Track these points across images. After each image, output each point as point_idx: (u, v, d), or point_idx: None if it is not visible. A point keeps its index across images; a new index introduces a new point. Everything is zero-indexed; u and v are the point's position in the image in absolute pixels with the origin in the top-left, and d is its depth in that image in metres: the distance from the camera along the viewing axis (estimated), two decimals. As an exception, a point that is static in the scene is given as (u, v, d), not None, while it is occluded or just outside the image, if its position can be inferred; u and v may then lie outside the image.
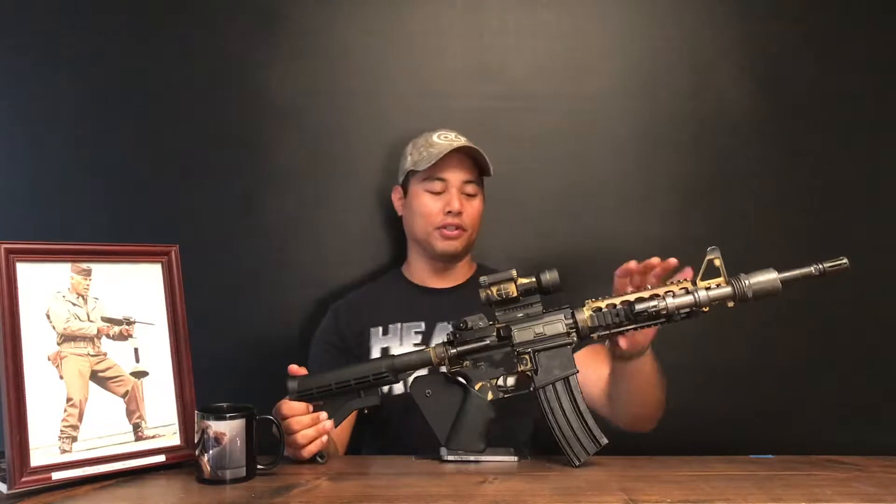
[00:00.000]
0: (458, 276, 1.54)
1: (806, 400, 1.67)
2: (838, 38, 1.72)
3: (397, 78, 1.70)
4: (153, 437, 1.11)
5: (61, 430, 1.03)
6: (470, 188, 1.48)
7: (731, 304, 1.10)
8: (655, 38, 1.72)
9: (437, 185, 1.46)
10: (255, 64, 1.68)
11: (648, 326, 1.13)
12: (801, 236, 1.67)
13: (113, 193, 1.66)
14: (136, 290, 1.15)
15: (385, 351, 1.45)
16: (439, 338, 1.44)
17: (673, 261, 1.13)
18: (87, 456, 1.04)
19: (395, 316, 1.48)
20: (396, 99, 1.69)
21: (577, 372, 1.13)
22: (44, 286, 1.06)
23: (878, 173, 1.72)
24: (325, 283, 1.65)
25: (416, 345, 1.45)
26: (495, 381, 1.15)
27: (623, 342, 1.15)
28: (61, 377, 1.04)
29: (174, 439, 1.13)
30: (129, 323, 1.13)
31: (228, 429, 1.02)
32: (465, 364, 1.16)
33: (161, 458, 1.10)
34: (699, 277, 1.11)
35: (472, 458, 1.13)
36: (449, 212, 1.45)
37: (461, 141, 1.48)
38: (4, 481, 0.98)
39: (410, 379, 1.20)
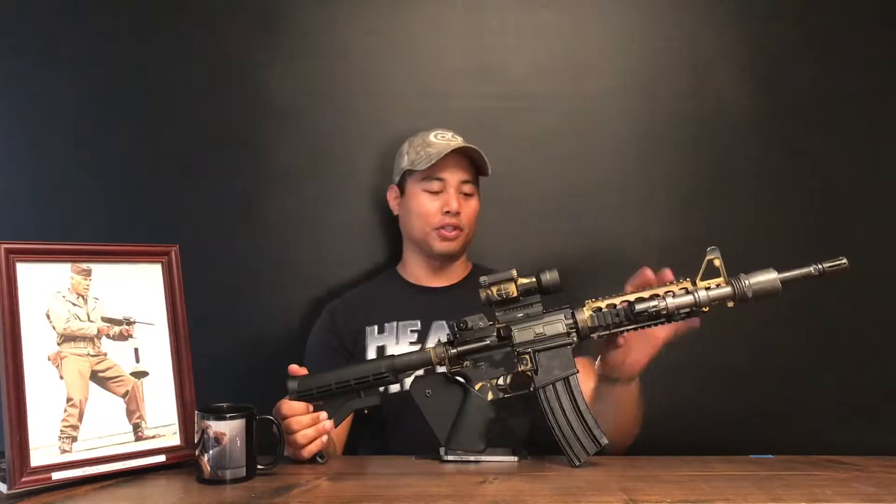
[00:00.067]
0: (454, 275, 1.54)
1: (806, 400, 1.67)
2: (838, 38, 1.72)
3: (397, 78, 1.70)
4: (153, 437, 1.11)
5: (61, 430, 1.03)
6: (467, 188, 1.48)
7: (730, 304, 1.10)
8: (655, 38, 1.72)
9: (436, 185, 1.46)
10: (255, 64, 1.68)
11: (648, 326, 1.13)
12: (801, 236, 1.67)
13: (113, 193, 1.66)
14: (136, 290, 1.15)
15: (381, 349, 1.45)
16: (435, 336, 1.44)
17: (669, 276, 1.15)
18: (87, 456, 1.04)
19: (391, 315, 1.48)
20: (396, 99, 1.69)
21: (578, 372, 1.13)
22: (44, 286, 1.06)
23: (878, 173, 1.72)
24: (325, 283, 1.65)
25: (411, 343, 1.45)
26: (495, 381, 1.15)
27: (622, 340, 1.15)
28: (61, 377, 1.04)
29: (174, 439, 1.13)
30: (129, 323, 1.13)
31: (228, 429, 1.02)
32: (465, 364, 1.16)
33: (161, 458, 1.10)
34: (699, 277, 1.11)
35: (471, 458, 1.13)
36: (447, 212, 1.45)
37: (459, 141, 1.48)
38: (4, 481, 0.98)
39: (409, 379, 1.21)
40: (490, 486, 0.97)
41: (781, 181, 1.71)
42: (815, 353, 1.68)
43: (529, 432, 1.47)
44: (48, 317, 1.05)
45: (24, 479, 0.97)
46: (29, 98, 1.65)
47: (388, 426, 1.42)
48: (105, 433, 1.06)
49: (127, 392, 1.10)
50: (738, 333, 1.64)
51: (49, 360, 1.04)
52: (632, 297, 1.12)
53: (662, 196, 1.71)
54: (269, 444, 1.09)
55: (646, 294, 1.12)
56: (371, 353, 1.45)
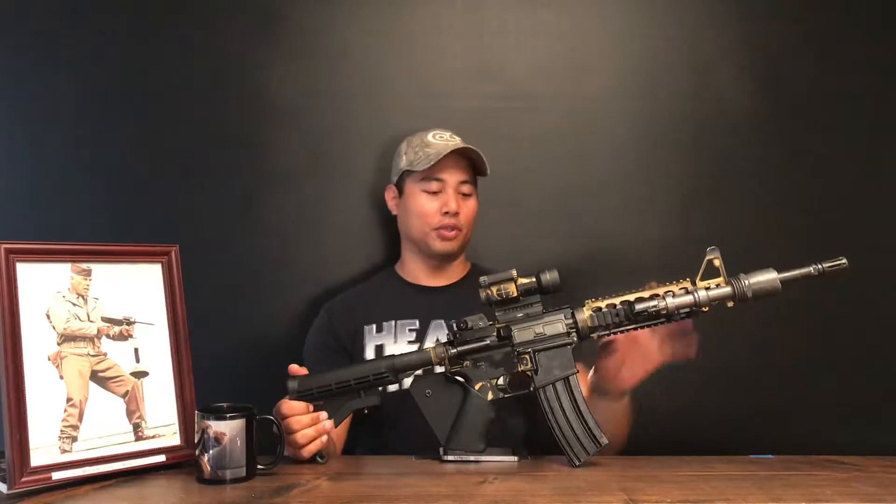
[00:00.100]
0: (453, 274, 1.54)
1: (806, 400, 1.67)
2: (838, 38, 1.72)
3: (397, 78, 1.70)
4: (153, 437, 1.11)
5: (61, 430, 1.03)
6: (466, 188, 1.48)
7: (730, 304, 1.10)
8: (655, 38, 1.72)
9: (434, 185, 1.46)
10: (255, 64, 1.68)
11: (648, 326, 1.13)
12: (801, 236, 1.67)
13: (113, 193, 1.66)
14: (136, 290, 1.15)
15: (379, 348, 1.45)
16: (433, 336, 1.44)
17: None
18: (87, 456, 1.04)
19: (389, 313, 1.48)
20: (396, 99, 1.69)
21: (578, 372, 1.13)
22: (44, 286, 1.06)
23: (878, 173, 1.72)
24: (325, 283, 1.65)
25: (410, 342, 1.45)
26: (495, 381, 1.15)
27: (616, 345, 1.15)
28: (61, 377, 1.04)
29: (174, 439, 1.13)
30: (129, 323, 1.13)
31: (228, 429, 1.02)
32: (465, 364, 1.16)
33: (161, 458, 1.10)
34: (699, 277, 1.11)
35: (471, 458, 1.13)
36: (446, 212, 1.45)
37: (457, 141, 1.48)
38: (4, 481, 0.98)
39: (408, 379, 1.21)
40: (490, 486, 0.97)
41: (781, 181, 1.71)
42: (815, 353, 1.68)
43: (527, 433, 1.47)
44: (48, 317, 1.05)
45: (24, 479, 0.97)
46: (29, 98, 1.65)
47: (385, 425, 1.42)
48: (105, 433, 1.06)
49: (127, 392, 1.10)
50: (738, 333, 1.64)
51: (49, 360, 1.04)
52: (631, 298, 1.12)
53: (662, 196, 1.71)
54: (269, 444, 1.09)
55: (646, 294, 1.12)
56: (369, 352, 1.45)
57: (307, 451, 1.13)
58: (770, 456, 1.23)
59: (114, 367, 1.10)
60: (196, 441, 1.04)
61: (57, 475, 1.00)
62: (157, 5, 1.68)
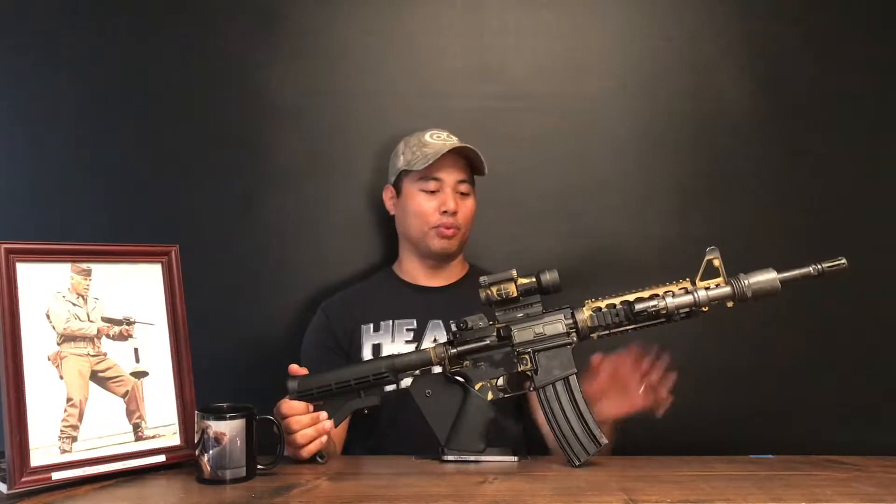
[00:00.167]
0: (451, 275, 1.54)
1: (806, 400, 1.67)
2: (838, 38, 1.72)
3: (397, 78, 1.70)
4: (153, 437, 1.11)
5: (61, 430, 1.03)
6: (464, 187, 1.48)
7: (730, 304, 1.10)
8: (655, 38, 1.72)
9: (432, 185, 1.47)
10: (255, 64, 1.68)
11: (648, 326, 1.13)
12: (801, 236, 1.67)
13: (113, 193, 1.66)
14: (136, 290, 1.15)
15: (377, 347, 1.45)
16: (431, 336, 1.44)
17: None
18: (87, 456, 1.04)
19: (386, 313, 1.48)
20: (396, 99, 1.69)
21: (577, 372, 1.13)
22: (44, 286, 1.06)
23: (878, 173, 1.72)
24: (325, 283, 1.65)
25: (407, 342, 1.45)
26: (495, 381, 1.16)
27: (596, 361, 1.16)
28: (61, 377, 1.04)
29: (174, 439, 1.13)
30: (129, 323, 1.13)
31: (228, 429, 1.02)
32: (465, 364, 1.16)
33: (161, 458, 1.10)
34: (698, 277, 1.11)
35: (471, 458, 1.13)
36: (444, 211, 1.45)
37: (454, 140, 1.49)
38: (4, 481, 0.98)
39: (407, 379, 1.21)
40: (490, 486, 0.97)
41: (781, 181, 1.71)
42: (815, 353, 1.68)
43: (520, 435, 1.48)
44: (48, 317, 1.05)
45: (24, 479, 0.97)
46: (29, 98, 1.65)
47: (381, 425, 1.42)
48: (105, 433, 1.06)
49: (127, 392, 1.10)
50: (738, 333, 1.64)
51: (49, 360, 1.04)
52: (631, 298, 1.12)
53: (662, 196, 1.71)
54: (269, 444, 1.09)
55: (645, 294, 1.12)
56: (366, 351, 1.45)
57: (307, 451, 1.13)
58: (770, 456, 1.23)
59: (114, 367, 1.10)
60: (196, 441, 1.04)
61: (57, 475, 1.00)
62: (157, 5, 1.68)
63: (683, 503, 0.89)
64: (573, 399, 1.13)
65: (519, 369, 1.15)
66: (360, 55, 1.70)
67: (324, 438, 1.14)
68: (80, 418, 1.05)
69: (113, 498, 0.98)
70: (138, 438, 1.09)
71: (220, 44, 1.68)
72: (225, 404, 1.06)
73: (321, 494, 0.96)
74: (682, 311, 1.10)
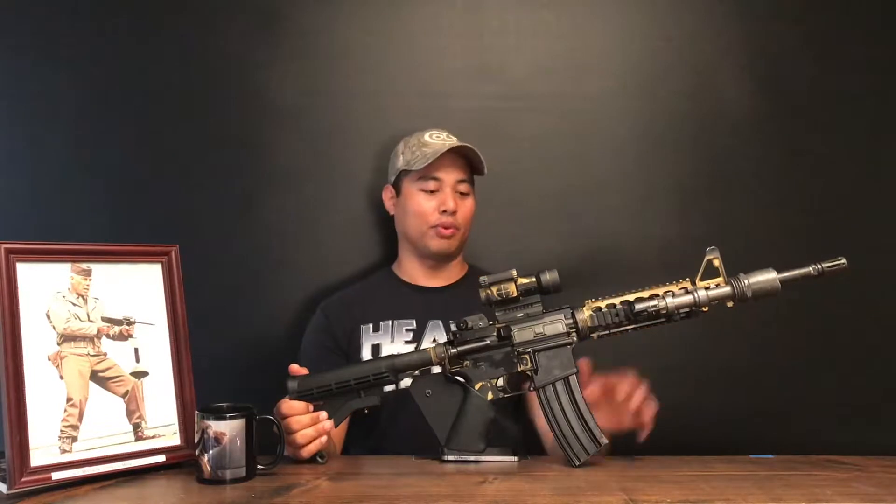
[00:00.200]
0: (450, 275, 1.54)
1: (806, 400, 1.67)
2: (838, 38, 1.73)
3: (397, 78, 1.70)
4: (153, 437, 1.11)
5: (61, 430, 1.03)
6: (463, 187, 1.48)
7: (730, 303, 1.10)
8: (655, 38, 1.72)
9: (432, 185, 1.47)
10: (255, 64, 1.68)
11: (648, 326, 1.13)
12: (801, 236, 1.67)
13: (113, 193, 1.66)
14: (136, 290, 1.15)
15: (376, 348, 1.45)
16: (431, 336, 1.44)
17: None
18: (87, 456, 1.04)
19: (386, 313, 1.48)
20: (396, 99, 1.69)
21: (577, 372, 1.13)
22: (44, 286, 1.06)
23: (878, 173, 1.72)
24: (324, 283, 1.65)
25: (407, 342, 1.45)
26: (495, 380, 1.15)
27: (584, 365, 1.16)
28: (61, 377, 1.04)
29: (174, 439, 1.13)
30: (129, 323, 1.13)
31: (228, 429, 1.02)
32: (465, 364, 1.16)
33: (161, 458, 1.10)
34: (698, 277, 1.11)
35: (472, 458, 1.13)
36: (444, 211, 1.45)
37: (454, 140, 1.49)
38: (4, 481, 0.98)
39: (407, 379, 1.21)
40: (490, 486, 0.97)
41: (781, 181, 1.71)
42: (815, 353, 1.68)
43: (518, 435, 1.48)
44: (48, 317, 1.05)
45: (24, 479, 0.97)
46: (29, 98, 1.65)
47: (381, 425, 1.42)
48: (105, 433, 1.06)
49: (127, 392, 1.10)
50: (738, 333, 1.64)
51: (49, 360, 1.04)
52: (631, 298, 1.12)
53: (662, 196, 1.71)
54: (269, 444, 1.09)
55: (645, 294, 1.12)
56: (366, 351, 1.45)
57: (307, 452, 1.13)
58: (770, 456, 1.23)
59: (114, 367, 1.10)
60: (196, 441, 1.04)
61: (57, 475, 1.00)
62: (157, 5, 1.68)
63: (683, 503, 0.89)
64: (573, 399, 1.13)
65: (519, 369, 1.15)
66: (360, 55, 1.70)
67: (324, 438, 1.14)
68: (80, 418, 1.05)
69: (113, 498, 0.98)
70: (138, 438, 1.09)
71: (220, 44, 1.68)
72: (225, 404, 1.06)
73: (321, 494, 0.96)
74: (682, 311, 1.10)
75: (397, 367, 1.16)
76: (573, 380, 1.13)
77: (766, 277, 1.09)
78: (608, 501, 0.90)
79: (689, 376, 1.67)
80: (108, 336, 1.10)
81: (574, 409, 1.12)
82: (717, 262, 1.10)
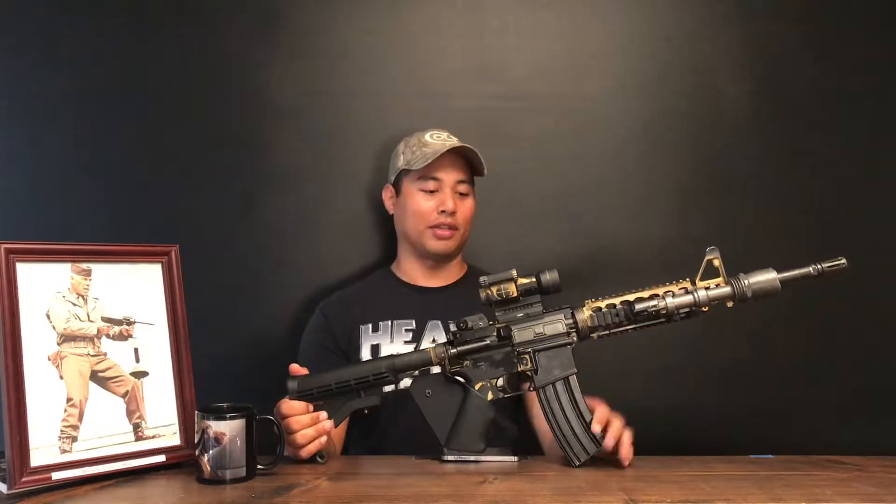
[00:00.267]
0: (449, 275, 1.54)
1: (806, 400, 1.67)
2: (838, 38, 1.72)
3: (397, 78, 1.70)
4: (153, 437, 1.11)
5: (61, 430, 1.03)
6: (463, 188, 1.48)
7: (730, 303, 1.10)
8: (655, 38, 1.72)
9: (431, 185, 1.47)
10: (255, 64, 1.68)
11: (648, 326, 1.13)
12: (801, 236, 1.67)
13: (113, 193, 1.66)
14: (136, 290, 1.15)
15: (375, 348, 1.45)
16: (430, 336, 1.44)
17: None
18: (87, 456, 1.04)
19: (385, 313, 1.48)
20: (396, 99, 1.69)
21: (577, 372, 1.13)
22: (44, 286, 1.06)
23: (878, 173, 1.72)
24: (324, 283, 1.65)
25: (406, 343, 1.45)
26: (495, 381, 1.15)
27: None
28: (61, 377, 1.04)
29: (174, 439, 1.13)
30: (129, 323, 1.13)
31: (228, 429, 1.02)
32: (465, 364, 1.16)
33: (161, 458, 1.10)
34: (698, 277, 1.11)
35: (472, 458, 1.13)
36: (443, 211, 1.45)
37: (454, 141, 1.49)
38: (4, 481, 0.98)
39: (406, 379, 1.21)
40: (490, 486, 0.97)
41: (781, 181, 1.71)
42: (815, 353, 1.68)
43: (516, 435, 1.48)
44: (48, 317, 1.05)
45: (24, 479, 0.97)
46: (29, 98, 1.65)
47: (381, 425, 1.42)
48: (105, 433, 1.06)
49: (127, 392, 1.10)
50: (738, 333, 1.65)
51: (49, 360, 1.04)
52: (631, 297, 1.12)
53: (662, 196, 1.71)
54: (269, 444, 1.09)
55: (645, 294, 1.12)
56: (365, 351, 1.45)
57: (306, 452, 1.13)
58: (770, 456, 1.23)
59: (114, 367, 1.10)
60: (196, 441, 1.04)
61: (57, 475, 1.00)
62: (157, 5, 1.68)
63: (683, 503, 0.89)
64: (573, 399, 1.13)
65: (519, 369, 1.15)
66: (360, 55, 1.70)
67: (324, 438, 1.14)
68: (80, 418, 1.05)
69: (113, 498, 0.98)
70: (138, 438, 1.09)
71: (220, 44, 1.68)
72: (225, 404, 1.06)
73: (321, 494, 0.96)
74: (682, 311, 1.10)
75: (397, 367, 1.16)
76: (573, 380, 1.13)
77: (766, 277, 1.09)
78: (608, 501, 0.90)
79: (689, 376, 1.67)
80: (108, 336, 1.10)
81: (574, 409, 1.12)
82: (717, 262, 1.10)
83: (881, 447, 1.26)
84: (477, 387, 1.15)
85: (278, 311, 1.66)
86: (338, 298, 1.54)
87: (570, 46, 1.72)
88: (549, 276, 1.13)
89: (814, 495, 0.92)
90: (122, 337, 1.12)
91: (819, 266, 1.09)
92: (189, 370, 1.16)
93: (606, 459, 1.13)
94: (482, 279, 1.14)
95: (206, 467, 1.02)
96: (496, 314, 1.16)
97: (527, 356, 1.14)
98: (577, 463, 1.10)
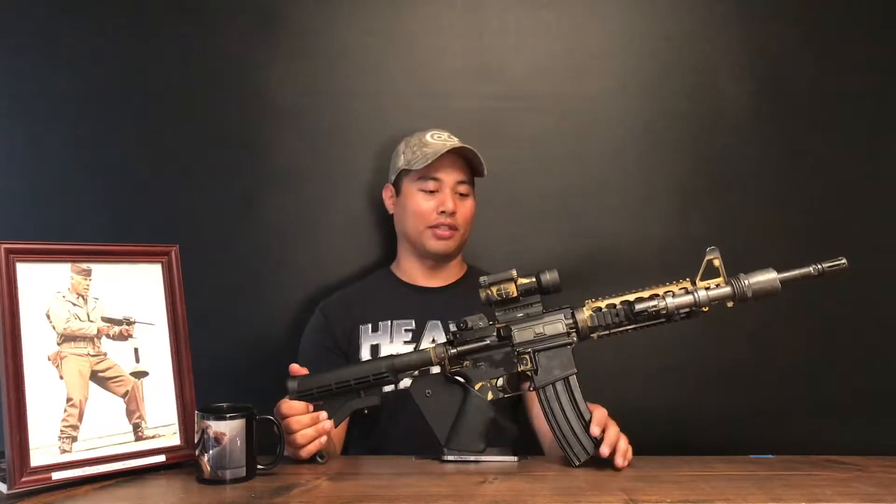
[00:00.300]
0: (449, 275, 1.54)
1: (806, 400, 1.67)
2: (838, 38, 1.73)
3: (397, 78, 1.70)
4: (153, 437, 1.11)
5: (61, 430, 1.03)
6: (463, 188, 1.48)
7: (730, 304, 1.10)
8: (655, 38, 1.72)
9: (431, 185, 1.46)
10: (255, 64, 1.68)
11: (648, 326, 1.13)
12: (801, 236, 1.67)
13: (113, 193, 1.66)
14: (136, 290, 1.15)
15: (375, 348, 1.45)
16: (430, 336, 1.44)
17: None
18: (87, 456, 1.04)
19: (385, 313, 1.48)
20: (396, 99, 1.69)
21: (577, 372, 1.13)
22: (44, 286, 1.06)
23: (878, 173, 1.72)
24: (324, 283, 1.65)
25: (406, 343, 1.45)
26: (495, 381, 1.15)
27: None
28: (61, 377, 1.04)
29: (174, 439, 1.13)
30: (129, 323, 1.13)
31: (228, 429, 1.02)
32: (465, 364, 1.16)
33: (161, 458, 1.10)
34: (699, 277, 1.11)
35: (472, 458, 1.13)
36: (442, 211, 1.45)
37: (455, 141, 1.48)
38: (4, 481, 0.98)
39: (406, 379, 1.21)
40: (490, 486, 0.97)
41: (781, 181, 1.71)
42: (815, 353, 1.68)
43: (516, 435, 1.48)
44: (48, 317, 1.05)
45: (24, 479, 0.97)
46: (29, 98, 1.65)
47: (381, 425, 1.42)
48: (105, 433, 1.06)
49: (127, 392, 1.10)
50: (738, 333, 1.65)
51: (49, 360, 1.04)
52: (631, 297, 1.12)
53: (662, 196, 1.71)
54: (269, 444, 1.09)
55: (645, 294, 1.12)
56: (365, 352, 1.45)
57: (306, 452, 1.13)
58: (770, 456, 1.23)
59: (114, 367, 1.10)
60: (196, 441, 1.04)
61: (57, 475, 1.00)
62: (157, 5, 1.68)
63: (683, 503, 0.89)
64: (573, 399, 1.13)
65: (519, 369, 1.15)
66: (360, 55, 1.70)
67: (324, 438, 1.14)
68: (80, 418, 1.05)
69: (113, 498, 0.98)
70: (138, 438, 1.09)
71: (220, 44, 1.68)
72: (225, 404, 1.06)
73: (321, 494, 0.96)
74: (682, 311, 1.10)
75: (397, 367, 1.16)
76: (573, 380, 1.13)
77: (767, 278, 1.09)
78: (608, 501, 0.90)
79: (689, 376, 1.67)
80: (108, 336, 1.10)
81: (574, 409, 1.12)
82: (717, 262, 1.10)
83: (881, 447, 1.26)
84: (477, 387, 1.15)
85: (278, 311, 1.66)
86: (338, 298, 1.54)
87: (570, 46, 1.72)
88: (549, 276, 1.13)
89: (814, 495, 0.93)
90: (122, 337, 1.12)
91: (820, 266, 1.09)
92: (189, 370, 1.16)
93: (606, 460, 1.13)
94: (482, 279, 1.14)
95: (206, 467, 1.02)
96: (496, 314, 1.16)
97: (527, 356, 1.14)
98: (577, 463, 1.10)
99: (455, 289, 1.52)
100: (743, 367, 1.67)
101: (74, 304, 1.08)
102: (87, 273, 1.10)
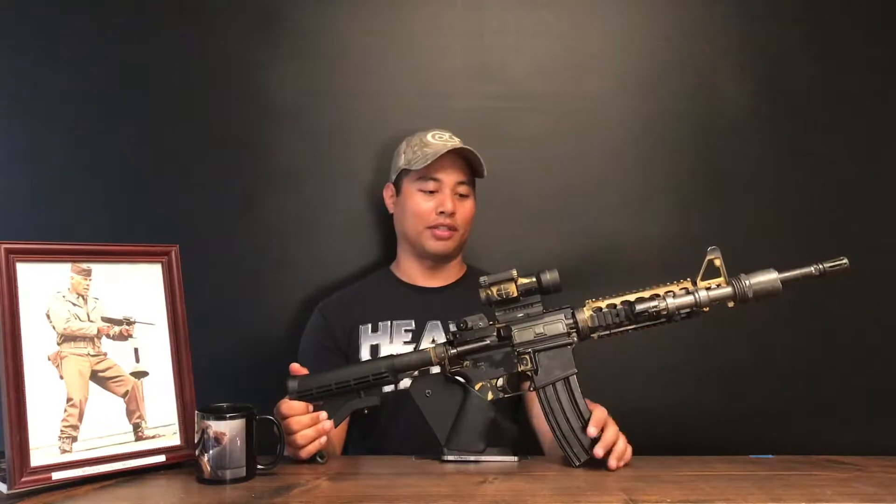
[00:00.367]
0: (449, 275, 1.54)
1: (806, 400, 1.67)
2: (838, 38, 1.73)
3: (397, 78, 1.70)
4: (153, 437, 1.11)
5: (61, 430, 1.03)
6: (463, 189, 1.48)
7: (731, 304, 1.10)
8: (655, 38, 1.72)
9: (431, 185, 1.46)
10: (255, 64, 1.68)
11: (649, 327, 1.13)
12: (801, 236, 1.67)
13: (113, 193, 1.66)
14: (136, 290, 1.15)
15: (375, 348, 1.45)
16: (429, 336, 1.44)
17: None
18: (87, 456, 1.04)
19: (385, 313, 1.48)
20: (396, 99, 1.69)
21: (577, 372, 1.13)
22: (44, 286, 1.06)
23: (878, 173, 1.72)
24: (324, 283, 1.65)
25: (405, 343, 1.45)
26: (495, 381, 1.15)
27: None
28: (61, 377, 1.04)
29: (174, 439, 1.13)
30: (129, 323, 1.13)
31: (228, 429, 1.02)
32: (465, 364, 1.16)
33: (161, 458, 1.10)
34: (699, 277, 1.11)
35: (472, 458, 1.13)
36: (442, 212, 1.45)
37: (456, 141, 1.48)
38: (4, 481, 0.98)
39: (406, 379, 1.21)
40: (490, 486, 0.97)
41: (781, 181, 1.71)
42: (815, 353, 1.68)
43: (516, 435, 1.48)
44: (48, 317, 1.05)
45: (24, 479, 0.97)
46: (29, 98, 1.65)
47: (381, 425, 1.42)
48: (105, 433, 1.06)
49: (127, 392, 1.10)
50: (738, 333, 1.65)
51: (49, 360, 1.04)
52: (632, 298, 1.12)
53: (662, 196, 1.71)
54: (269, 444, 1.09)
55: (646, 294, 1.12)
56: (365, 352, 1.45)
57: (306, 452, 1.13)
58: (770, 456, 1.23)
59: (114, 367, 1.10)
60: (196, 441, 1.04)
61: (57, 475, 1.00)
62: (156, 5, 1.68)
63: (683, 503, 0.89)
64: (573, 399, 1.13)
65: (519, 369, 1.15)
66: (360, 55, 1.70)
67: (323, 439, 1.14)
68: (80, 418, 1.05)
69: (113, 498, 0.98)
70: (138, 438, 1.09)
71: (220, 44, 1.68)
72: (225, 404, 1.06)
73: (321, 494, 0.96)
74: (682, 311, 1.10)
75: (397, 367, 1.16)
76: (573, 380, 1.13)
77: (768, 278, 1.09)
78: (608, 501, 0.90)
79: (689, 376, 1.67)
80: (108, 336, 1.10)
81: (574, 409, 1.12)
82: (717, 262, 1.10)
83: (881, 447, 1.26)
84: (477, 387, 1.15)
85: (278, 311, 1.66)
86: (337, 298, 1.54)
87: (570, 46, 1.72)
88: (549, 276, 1.13)
89: (814, 495, 0.92)
90: (122, 337, 1.12)
91: (821, 266, 1.09)
92: (189, 370, 1.16)
93: (606, 460, 1.13)
94: (482, 279, 1.14)
95: (206, 467, 1.02)
96: (496, 314, 1.16)
97: (527, 356, 1.14)
98: (577, 463, 1.10)
99: (455, 289, 1.52)
100: (743, 367, 1.67)
101: (74, 304, 1.08)
102: (88, 273, 1.10)
